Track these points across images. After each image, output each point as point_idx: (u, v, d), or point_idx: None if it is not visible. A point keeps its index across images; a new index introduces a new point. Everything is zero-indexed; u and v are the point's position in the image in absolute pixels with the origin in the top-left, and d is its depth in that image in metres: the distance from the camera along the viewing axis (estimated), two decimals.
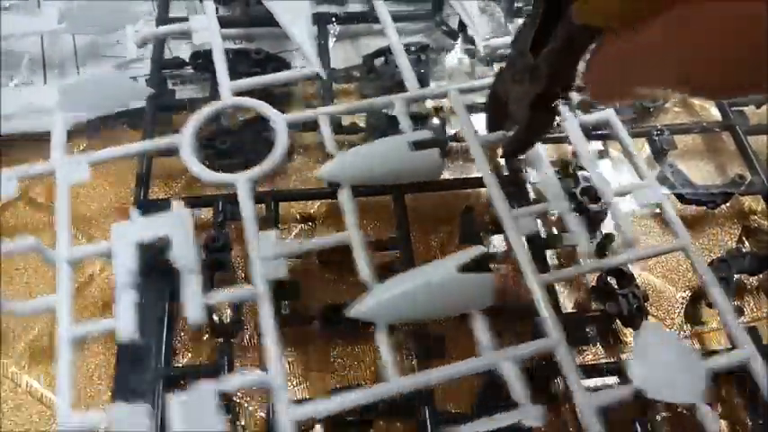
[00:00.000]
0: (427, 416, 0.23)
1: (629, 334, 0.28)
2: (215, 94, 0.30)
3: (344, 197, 0.26)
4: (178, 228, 0.25)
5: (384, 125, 0.31)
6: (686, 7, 0.15)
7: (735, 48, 0.14)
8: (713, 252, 0.31)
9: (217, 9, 0.35)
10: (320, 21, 0.35)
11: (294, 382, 0.26)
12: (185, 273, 0.23)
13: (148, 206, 0.28)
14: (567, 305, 0.28)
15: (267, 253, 0.24)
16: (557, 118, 0.26)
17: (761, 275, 0.30)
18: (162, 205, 0.26)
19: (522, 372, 0.22)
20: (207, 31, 0.32)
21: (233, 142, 0.30)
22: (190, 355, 0.27)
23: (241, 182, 0.26)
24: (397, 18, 0.36)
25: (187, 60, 0.33)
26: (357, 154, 0.27)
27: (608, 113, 0.30)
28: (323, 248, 0.26)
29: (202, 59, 0.33)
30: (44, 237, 0.26)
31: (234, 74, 0.30)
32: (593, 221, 0.28)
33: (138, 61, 0.32)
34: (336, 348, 0.27)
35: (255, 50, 0.34)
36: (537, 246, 0.27)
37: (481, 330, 0.23)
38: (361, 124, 0.32)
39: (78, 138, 0.32)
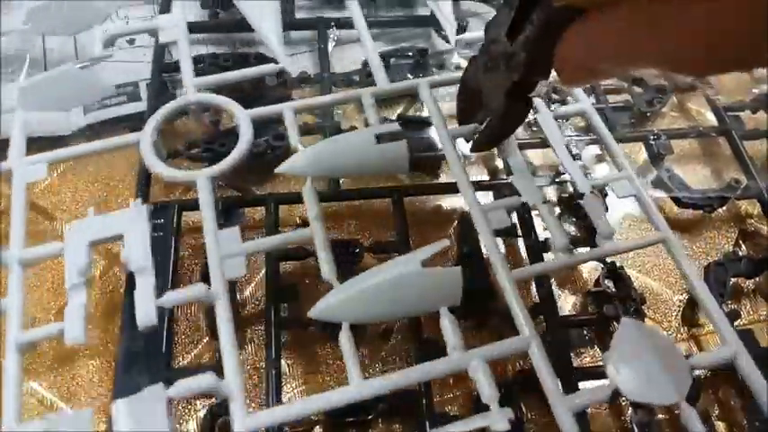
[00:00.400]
0: (425, 417, 0.23)
1: None
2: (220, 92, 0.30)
3: (307, 190, 0.25)
4: (133, 227, 0.24)
5: None
6: None
7: (725, 20, 0.13)
8: (710, 255, 0.31)
9: (216, 13, 0.35)
10: (320, 25, 0.35)
11: (293, 384, 0.26)
12: (138, 274, 0.22)
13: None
14: (565, 308, 0.28)
15: (226, 251, 0.23)
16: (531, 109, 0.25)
17: (757, 279, 0.29)
18: (161, 209, 0.27)
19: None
20: (174, 28, 0.31)
21: (231, 145, 0.29)
22: (190, 357, 0.27)
23: (201, 179, 0.25)
24: (395, 23, 0.37)
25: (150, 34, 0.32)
26: (322, 147, 0.26)
27: (584, 104, 0.29)
28: (285, 245, 0.25)
29: (204, 64, 0.33)
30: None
31: None
32: (590, 224, 0.27)
33: (104, 59, 0.31)
34: (335, 350, 0.27)
35: (255, 55, 0.33)
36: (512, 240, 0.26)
37: (450, 329, 0.22)
38: (360, 125, 0.32)
39: (77, 141, 0.31)
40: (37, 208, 0.31)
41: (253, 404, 0.25)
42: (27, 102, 0.28)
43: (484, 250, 0.27)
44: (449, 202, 0.31)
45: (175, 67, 0.33)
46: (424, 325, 0.25)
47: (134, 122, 0.32)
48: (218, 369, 0.23)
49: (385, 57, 0.34)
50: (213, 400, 0.25)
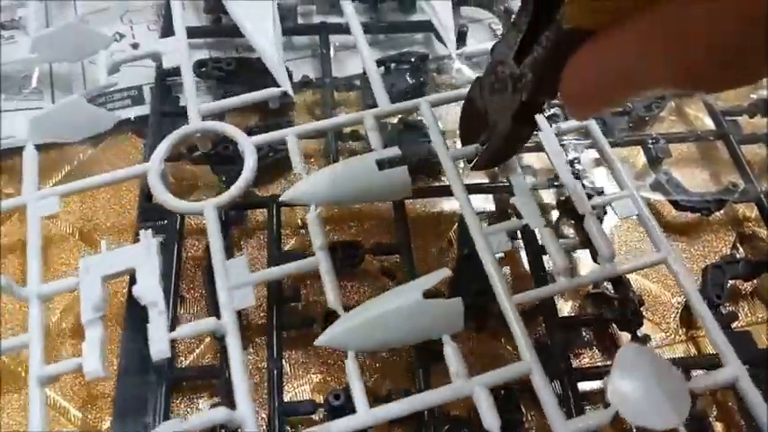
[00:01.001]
0: (426, 418, 0.24)
1: (625, 338, 0.28)
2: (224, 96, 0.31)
3: (312, 219, 0.26)
4: (144, 261, 0.24)
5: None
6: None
7: (739, 35, 0.14)
8: (708, 258, 0.31)
9: (219, 18, 0.36)
10: (322, 31, 0.36)
11: (294, 384, 0.27)
12: (151, 307, 0.23)
13: (153, 211, 0.29)
14: (564, 309, 0.29)
15: (234, 282, 0.24)
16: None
17: (755, 281, 0.30)
18: (164, 211, 0.27)
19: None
20: (176, 53, 0.31)
21: (235, 148, 0.30)
22: (192, 357, 0.27)
23: (208, 209, 0.26)
24: (396, 28, 0.37)
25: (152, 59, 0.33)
26: (323, 175, 0.26)
27: (587, 121, 0.29)
28: (291, 274, 0.25)
29: (206, 68, 0.34)
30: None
31: (237, 83, 0.31)
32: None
33: (110, 87, 0.32)
34: (336, 351, 0.27)
35: (257, 59, 0.33)
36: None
37: (453, 356, 0.22)
38: (362, 132, 0.32)
39: (83, 145, 0.32)
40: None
41: (254, 402, 0.25)
42: (36, 134, 0.29)
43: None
44: (449, 204, 0.32)
45: (178, 72, 0.33)
46: None
47: (138, 126, 0.33)
48: (220, 370, 0.25)
49: (385, 62, 0.35)
50: (214, 399, 0.25)
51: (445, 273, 0.23)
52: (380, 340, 0.23)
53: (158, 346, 0.23)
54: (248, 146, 0.28)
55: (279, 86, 0.31)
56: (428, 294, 0.23)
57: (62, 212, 0.31)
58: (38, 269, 0.25)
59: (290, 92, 0.30)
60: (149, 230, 0.26)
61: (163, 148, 0.28)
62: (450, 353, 0.23)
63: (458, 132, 0.28)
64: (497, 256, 0.25)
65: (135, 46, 0.36)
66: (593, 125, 0.29)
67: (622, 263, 0.25)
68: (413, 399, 0.22)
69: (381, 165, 0.26)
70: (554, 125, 0.29)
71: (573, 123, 0.29)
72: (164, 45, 0.32)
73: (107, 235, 0.30)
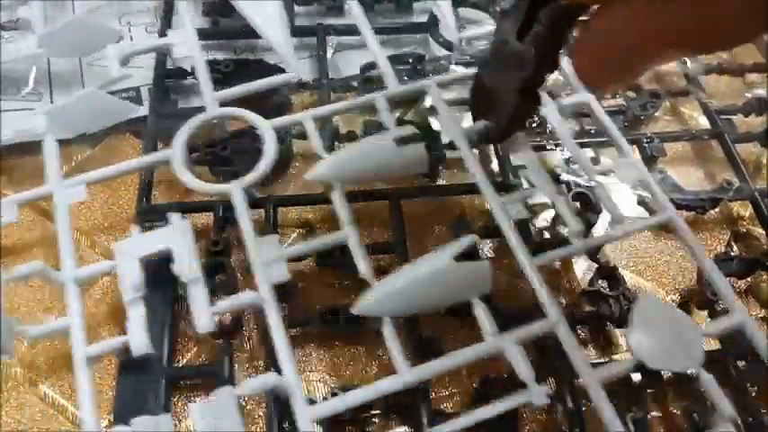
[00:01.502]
0: (424, 415, 0.25)
1: (620, 335, 0.29)
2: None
3: (337, 197, 0.27)
4: (179, 240, 0.25)
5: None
6: None
7: None
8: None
9: (217, 20, 0.36)
10: (319, 32, 0.36)
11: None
12: (190, 284, 0.24)
13: (150, 212, 0.30)
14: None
15: (268, 257, 0.25)
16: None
17: (749, 279, 0.31)
18: (164, 210, 0.28)
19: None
20: (186, 44, 0.32)
21: (233, 148, 0.31)
22: (190, 354, 0.28)
23: (236, 190, 0.27)
24: (393, 30, 0.38)
25: (189, 70, 0.34)
26: (345, 154, 0.28)
27: (587, 95, 0.31)
28: (323, 248, 0.26)
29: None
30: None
31: (234, 85, 0.31)
32: (586, 224, 0.29)
33: (125, 79, 0.32)
34: (333, 348, 0.28)
35: (255, 61, 0.35)
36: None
37: (484, 317, 0.24)
38: (358, 131, 0.33)
39: (80, 145, 0.33)
40: (37, 208, 0.31)
41: (252, 400, 0.27)
42: (54, 126, 0.29)
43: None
44: (445, 204, 0.33)
45: (176, 73, 0.35)
46: (421, 325, 0.27)
47: (136, 126, 0.34)
48: (218, 368, 0.25)
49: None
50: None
51: (471, 239, 0.24)
52: (414, 305, 0.24)
53: (202, 321, 0.23)
54: (268, 129, 0.29)
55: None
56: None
57: None
58: (71, 254, 0.26)
59: (304, 77, 0.31)
60: (178, 214, 0.26)
61: (184, 134, 0.28)
62: (482, 314, 0.24)
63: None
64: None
65: None
66: (593, 103, 0.31)
67: (631, 224, 0.27)
68: (451, 356, 0.23)
69: (398, 142, 0.27)
70: (555, 100, 0.30)
71: (573, 99, 0.31)
72: (173, 36, 0.32)
73: (106, 234, 0.31)
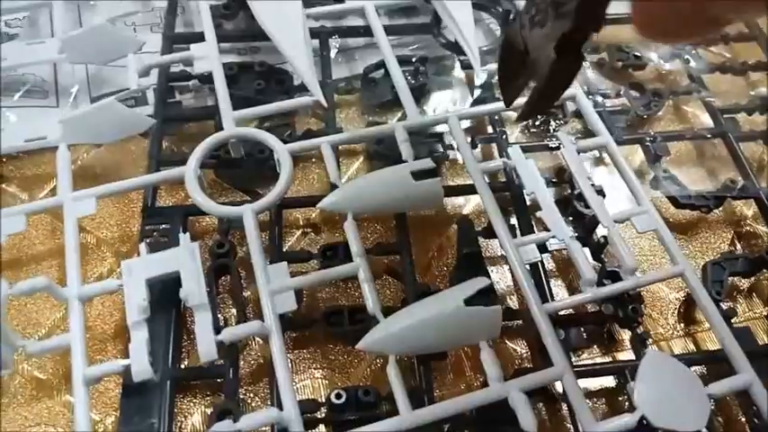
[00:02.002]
0: None
1: (624, 334, 0.29)
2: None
3: (349, 226, 0.27)
4: (187, 263, 0.25)
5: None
6: None
7: None
8: (707, 255, 0.32)
9: (221, 24, 0.36)
10: (322, 34, 0.36)
11: (296, 379, 0.27)
12: (197, 310, 0.24)
13: (155, 214, 0.29)
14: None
15: (277, 287, 0.25)
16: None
17: (753, 277, 0.31)
18: (168, 212, 0.29)
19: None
20: (208, 59, 0.32)
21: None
22: (195, 356, 0.27)
23: (248, 213, 0.27)
24: (395, 31, 0.37)
25: (194, 73, 0.34)
26: (360, 184, 0.28)
27: (606, 138, 0.31)
28: (334, 279, 0.26)
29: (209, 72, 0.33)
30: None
31: (237, 87, 0.32)
32: (588, 226, 0.29)
33: (145, 89, 0.32)
34: (336, 349, 0.28)
35: (259, 63, 0.34)
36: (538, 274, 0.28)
37: (490, 362, 0.24)
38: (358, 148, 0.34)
39: (87, 145, 0.33)
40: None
41: (257, 397, 0.27)
42: (69, 135, 0.29)
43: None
44: (448, 204, 0.33)
45: (180, 75, 0.35)
46: None
47: None
48: (224, 370, 0.25)
49: (384, 65, 0.35)
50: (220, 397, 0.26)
51: (484, 281, 0.24)
52: (420, 345, 0.24)
53: (206, 348, 0.23)
54: (284, 153, 0.28)
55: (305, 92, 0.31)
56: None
57: None
58: (77, 270, 0.25)
59: (323, 101, 0.31)
60: (187, 234, 0.26)
61: (199, 153, 0.28)
62: (487, 358, 0.24)
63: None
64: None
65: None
66: (612, 146, 0.31)
67: (642, 275, 0.27)
68: (453, 401, 0.23)
69: (415, 176, 0.27)
70: (574, 139, 0.30)
71: (591, 141, 0.31)
72: (196, 50, 0.32)
73: (113, 247, 0.30)
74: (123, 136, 0.30)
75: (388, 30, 0.37)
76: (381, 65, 0.35)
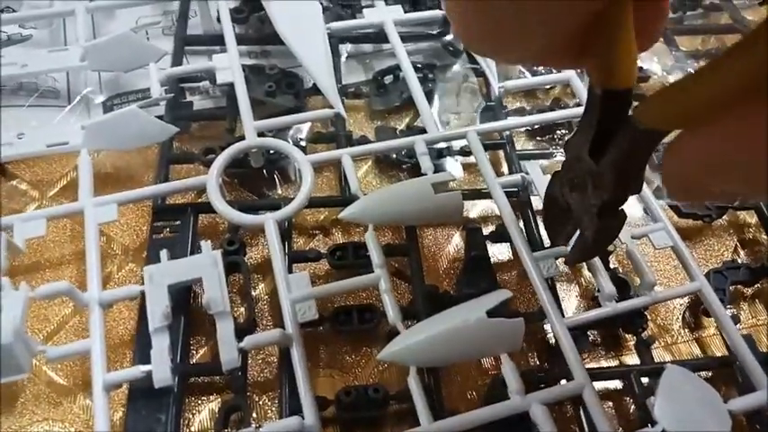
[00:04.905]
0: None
1: (629, 338, 0.29)
2: (232, 104, 0.32)
3: (369, 237, 0.27)
4: (209, 271, 0.25)
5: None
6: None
7: None
8: (710, 263, 0.32)
9: (233, 27, 0.36)
10: (332, 39, 0.36)
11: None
12: (218, 317, 0.24)
13: (166, 211, 0.30)
14: (570, 311, 0.30)
15: (298, 295, 0.25)
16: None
17: (756, 286, 0.31)
18: (179, 210, 0.29)
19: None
20: (229, 69, 0.32)
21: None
22: (203, 351, 0.27)
23: (269, 223, 0.27)
24: (405, 39, 0.37)
25: (205, 74, 0.34)
26: (379, 196, 0.28)
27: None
28: (352, 290, 0.26)
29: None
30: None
31: (248, 89, 0.32)
32: None
33: (164, 99, 0.32)
34: (345, 348, 0.28)
35: (269, 66, 0.35)
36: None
37: (511, 374, 0.24)
38: (371, 137, 0.34)
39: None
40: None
41: (265, 396, 0.26)
42: (90, 141, 0.30)
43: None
44: None
45: (191, 77, 0.35)
46: None
47: None
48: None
49: (394, 71, 0.36)
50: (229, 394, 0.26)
51: (506, 294, 0.24)
52: (441, 357, 0.24)
53: (228, 356, 0.23)
54: (305, 163, 0.29)
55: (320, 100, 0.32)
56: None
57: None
58: (98, 276, 0.25)
59: (343, 113, 0.31)
60: (209, 242, 0.26)
61: (220, 162, 0.29)
62: (509, 371, 0.24)
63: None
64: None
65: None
66: None
67: (660, 290, 0.27)
68: (474, 413, 0.23)
69: (436, 188, 0.27)
70: None
71: None
72: (217, 61, 0.32)
73: (124, 253, 0.30)
74: (145, 144, 0.30)
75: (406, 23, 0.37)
76: (390, 71, 0.36)
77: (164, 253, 0.26)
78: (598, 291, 0.27)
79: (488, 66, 0.34)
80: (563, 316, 0.25)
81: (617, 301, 0.26)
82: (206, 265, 0.25)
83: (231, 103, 0.33)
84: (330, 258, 0.28)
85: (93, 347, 0.24)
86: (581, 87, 0.34)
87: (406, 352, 0.24)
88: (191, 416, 0.26)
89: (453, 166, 0.33)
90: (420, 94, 0.32)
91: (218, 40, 0.35)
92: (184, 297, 0.27)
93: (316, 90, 0.34)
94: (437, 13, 0.37)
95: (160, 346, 0.23)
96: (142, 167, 0.32)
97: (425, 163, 0.29)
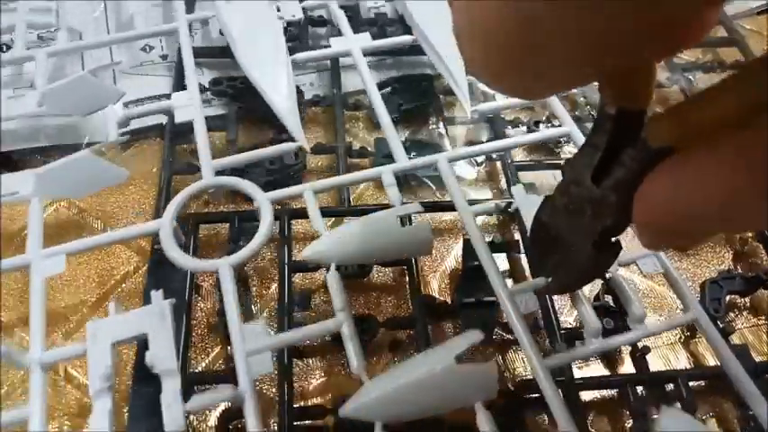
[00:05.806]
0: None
1: (623, 348, 0.28)
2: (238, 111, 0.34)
3: (331, 278, 0.25)
4: (156, 324, 0.23)
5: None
6: None
7: None
8: (705, 274, 0.32)
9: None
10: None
11: (300, 388, 0.27)
12: (164, 377, 0.22)
13: None
14: (566, 321, 0.29)
15: (253, 347, 0.23)
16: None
17: (751, 296, 0.31)
18: (180, 222, 0.28)
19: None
20: (189, 107, 0.31)
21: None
22: (205, 362, 0.28)
23: (224, 268, 0.25)
24: (402, 51, 0.38)
25: (207, 86, 0.35)
26: (345, 231, 0.26)
27: None
28: (311, 338, 0.24)
29: (221, 86, 0.35)
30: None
31: (245, 101, 0.33)
32: None
33: (119, 142, 0.31)
34: (341, 355, 0.28)
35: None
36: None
37: (485, 424, 0.21)
38: (370, 149, 0.34)
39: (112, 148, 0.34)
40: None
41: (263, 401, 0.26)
42: (42, 189, 0.28)
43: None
44: (454, 217, 0.33)
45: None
46: (432, 339, 0.26)
47: (162, 131, 0.35)
48: (231, 376, 0.23)
49: (391, 83, 0.37)
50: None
51: (477, 336, 0.22)
52: (410, 411, 0.22)
53: (173, 419, 0.21)
54: (264, 202, 0.27)
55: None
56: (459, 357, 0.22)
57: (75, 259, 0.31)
58: (41, 335, 0.24)
59: (306, 146, 0.30)
60: (160, 291, 0.24)
61: (174, 206, 0.27)
62: (483, 421, 0.21)
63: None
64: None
65: (164, 57, 0.39)
66: None
67: (651, 324, 0.25)
68: None
69: (403, 221, 0.26)
70: None
71: None
72: (176, 100, 0.31)
73: (120, 286, 0.30)
74: (98, 189, 0.29)
75: (393, 51, 0.38)
76: (388, 83, 0.37)
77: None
78: (582, 326, 0.24)
79: (460, 88, 0.32)
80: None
81: (603, 337, 0.24)
82: (152, 319, 0.23)
83: (238, 110, 0.35)
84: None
85: (33, 413, 0.22)
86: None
87: (370, 406, 0.22)
88: (197, 422, 0.26)
89: (465, 168, 0.33)
90: (387, 120, 0.31)
91: (213, 53, 0.37)
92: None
93: (315, 102, 0.36)
94: (406, 38, 0.36)
95: (99, 409, 0.21)
96: (150, 183, 0.32)
97: (393, 195, 0.28)
